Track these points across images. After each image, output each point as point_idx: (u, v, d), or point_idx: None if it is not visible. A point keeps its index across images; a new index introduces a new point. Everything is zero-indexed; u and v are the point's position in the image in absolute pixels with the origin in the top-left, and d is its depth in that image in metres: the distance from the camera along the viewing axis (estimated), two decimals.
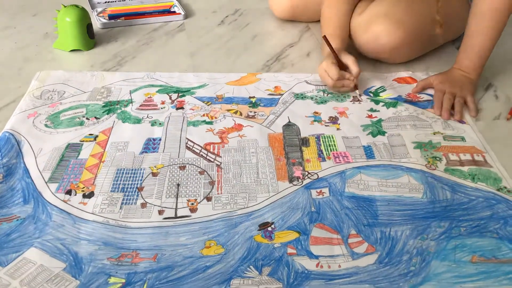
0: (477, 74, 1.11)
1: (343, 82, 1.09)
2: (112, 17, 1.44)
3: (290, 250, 0.74)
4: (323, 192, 0.85)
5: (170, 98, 1.09)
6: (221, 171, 0.89)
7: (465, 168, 0.90)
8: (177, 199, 0.83)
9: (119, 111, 1.04)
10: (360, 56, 1.25)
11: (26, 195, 0.83)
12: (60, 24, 1.24)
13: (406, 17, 1.15)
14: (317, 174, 0.89)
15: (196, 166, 0.90)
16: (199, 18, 1.49)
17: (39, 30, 1.39)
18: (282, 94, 1.12)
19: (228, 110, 1.06)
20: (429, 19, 1.19)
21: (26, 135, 0.96)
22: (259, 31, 1.41)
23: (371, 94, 1.12)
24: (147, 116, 1.03)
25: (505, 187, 0.86)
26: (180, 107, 1.06)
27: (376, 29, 1.15)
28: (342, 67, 1.09)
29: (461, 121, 1.03)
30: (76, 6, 1.25)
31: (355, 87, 1.10)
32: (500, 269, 0.72)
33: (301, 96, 1.11)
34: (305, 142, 0.97)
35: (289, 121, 1.03)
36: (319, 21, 1.24)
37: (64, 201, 0.82)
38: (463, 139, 0.98)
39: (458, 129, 1.01)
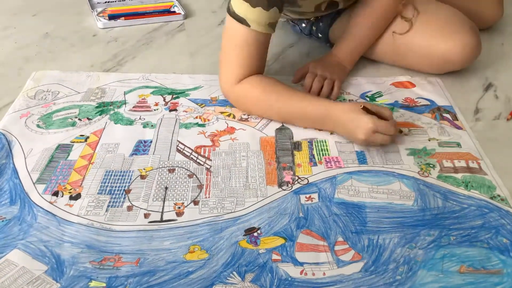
0: (351, 65, 1.16)
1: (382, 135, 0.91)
2: (112, 17, 1.44)
3: (275, 257, 0.73)
4: (312, 198, 0.84)
5: (164, 99, 1.09)
6: (210, 175, 0.88)
7: (458, 175, 0.89)
8: (164, 203, 0.82)
9: (112, 112, 1.04)
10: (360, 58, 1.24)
11: (13, 196, 0.83)
12: None
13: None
14: (307, 179, 0.88)
15: (185, 169, 0.90)
16: (199, 18, 1.49)
17: (39, 30, 1.39)
18: None
19: (222, 113, 1.05)
20: None
21: (17, 135, 0.96)
22: None
23: (368, 99, 1.10)
24: (140, 118, 1.02)
25: (499, 195, 0.84)
26: (173, 109, 1.06)
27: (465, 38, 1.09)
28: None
29: (457, 126, 1.02)
30: None
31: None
32: (489, 280, 0.70)
33: None
34: (297, 146, 0.96)
35: (282, 125, 1.01)
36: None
37: (50, 202, 0.82)
38: (458, 145, 0.96)
39: (454, 135, 0.99)
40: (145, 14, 1.47)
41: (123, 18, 1.44)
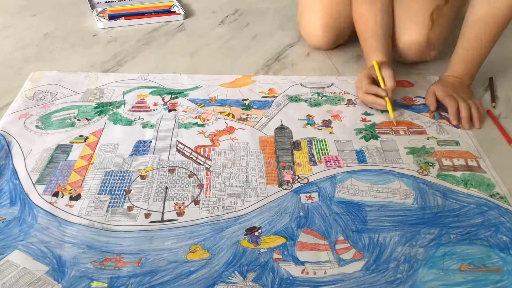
0: (472, 80, 1.09)
1: (373, 98, 1.02)
2: (112, 17, 1.45)
3: (276, 256, 0.74)
4: (313, 197, 0.84)
5: (163, 100, 1.09)
6: (210, 175, 0.88)
7: (458, 174, 0.89)
8: (164, 203, 0.82)
9: (111, 112, 1.04)
10: (358, 58, 1.24)
11: (13, 197, 0.83)
12: None
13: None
14: (307, 178, 0.88)
15: (185, 169, 0.90)
16: (199, 18, 1.49)
17: (39, 30, 1.40)
18: (276, 97, 1.11)
19: (221, 113, 1.05)
20: None
21: (16, 136, 0.96)
22: (259, 31, 1.40)
23: None
24: (139, 118, 1.02)
25: (498, 193, 0.85)
26: (172, 109, 1.05)
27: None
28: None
29: (456, 125, 1.02)
30: None
31: (390, 107, 1.01)
32: (489, 278, 0.70)
33: (295, 99, 1.10)
34: (296, 145, 0.96)
35: (282, 124, 1.02)
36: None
37: (50, 203, 0.82)
38: (457, 143, 0.97)
39: (453, 134, 0.99)
40: (145, 14, 1.47)
41: (123, 18, 1.44)
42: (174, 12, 1.49)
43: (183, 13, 1.47)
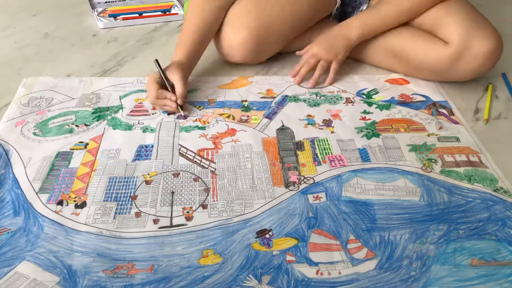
0: (359, 38, 1.11)
1: (164, 101, 1.02)
2: (112, 17, 1.44)
3: (289, 258, 0.73)
4: (320, 197, 0.84)
5: None
6: (216, 178, 0.88)
7: (461, 169, 0.90)
8: (172, 208, 0.81)
9: (109, 117, 1.02)
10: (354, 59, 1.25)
11: (16, 207, 0.81)
12: None
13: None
14: (313, 179, 0.88)
15: (190, 173, 0.89)
16: None
17: (39, 30, 1.38)
18: (275, 97, 1.11)
19: (221, 115, 1.04)
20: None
21: (14, 144, 0.94)
22: None
23: (364, 96, 1.11)
24: (138, 122, 1.01)
25: (501, 188, 0.86)
26: (171, 112, 1.04)
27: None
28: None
29: (454, 121, 1.03)
30: None
31: (181, 108, 1.02)
32: (500, 272, 0.71)
33: (294, 99, 1.10)
34: (299, 146, 0.96)
35: (283, 125, 1.01)
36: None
37: (55, 212, 0.80)
38: (457, 139, 0.98)
39: (452, 130, 1.00)
40: (145, 14, 1.46)
41: (121, 18, 1.44)
42: (174, 12, 1.49)
43: (183, 13, 1.46)
